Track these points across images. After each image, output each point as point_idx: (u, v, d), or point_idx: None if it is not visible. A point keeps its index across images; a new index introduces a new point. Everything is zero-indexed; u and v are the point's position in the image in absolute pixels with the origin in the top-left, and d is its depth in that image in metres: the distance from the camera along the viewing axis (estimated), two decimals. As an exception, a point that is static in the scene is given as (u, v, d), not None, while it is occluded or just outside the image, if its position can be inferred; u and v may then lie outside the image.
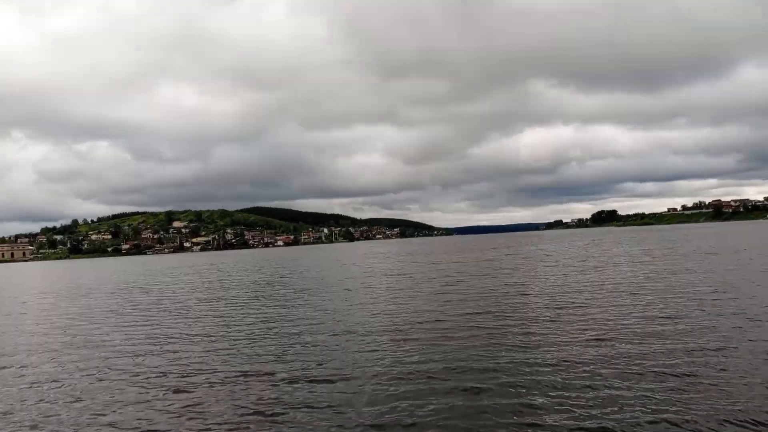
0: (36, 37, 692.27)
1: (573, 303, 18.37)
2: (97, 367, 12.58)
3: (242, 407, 9.14)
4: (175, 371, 11.79)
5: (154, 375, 11.56)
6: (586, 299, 19.11)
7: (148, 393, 10.27)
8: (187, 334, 16.34)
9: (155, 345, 14.92)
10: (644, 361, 10.54)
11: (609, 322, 14.54)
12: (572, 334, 13.42)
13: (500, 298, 20.44)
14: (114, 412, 9.30)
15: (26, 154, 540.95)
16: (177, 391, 10.25)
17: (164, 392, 10.26)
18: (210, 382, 10.76)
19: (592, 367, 10.37)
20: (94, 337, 16.69)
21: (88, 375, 11.91)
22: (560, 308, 17.39)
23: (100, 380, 11.39)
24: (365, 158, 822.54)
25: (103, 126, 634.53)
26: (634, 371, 9.93)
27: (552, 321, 15.26)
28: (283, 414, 8.76)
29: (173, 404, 9.52)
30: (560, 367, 10.45)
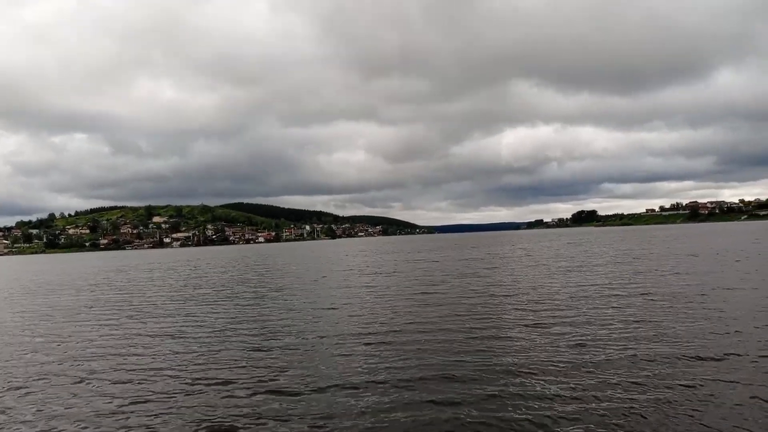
0: (10, 27, 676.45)
1: (554, 305, 18.13)
2: (40, 371, 11.94)
3: (200, 419, 8.64)
4: (129, 378, 11.20)
5: (104, 382, 10.99)
6: (567, 301, 18.88)
7: (92, 403, 9.72)
8: (146, 336, 15.71)
9: (111, 348, 14.29)
10: (626, 368, 10.29)
11: (590, 327, 14.30)
12: (554, 339, 13.14)
13: (481, 300, 20.13)
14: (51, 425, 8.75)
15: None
16: (134, 402, 9.70)
17: (117, 403, 9.71)
18: (166, 391, 10.23)
19: (572, 375, 10.08)
20: (46, 338, 16.00)
21: (27, 383, 11.30)
22: (541, 311, 17.13)
23: (39, 386, 10.79)
24: (347, 155, 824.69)
25: (79, 118, 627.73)
26: (618, 380, 9.67)
27: (533, 325, 14.96)
28: (245, 427, 8.29)
29: (122, 417, 9.00)
30: (540, 376, 10.14)
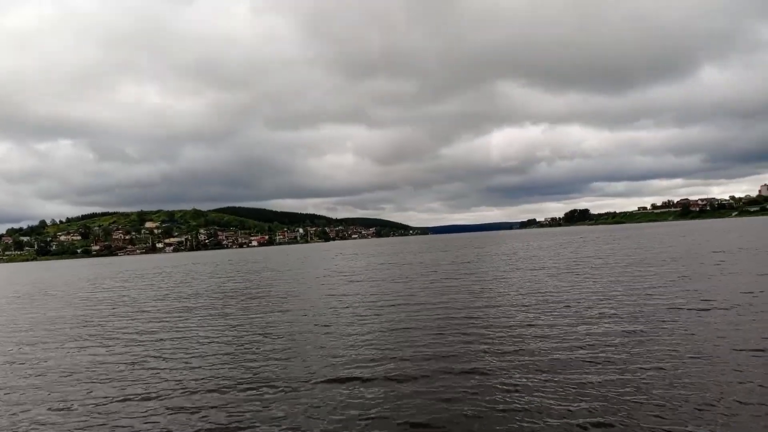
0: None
1: (571, 317, 17.07)
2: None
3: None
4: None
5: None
6: (584, 313, 17.83)
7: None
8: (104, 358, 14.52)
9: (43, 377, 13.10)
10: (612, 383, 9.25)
11: (606, 339, 13.27)
12: (575, 368, 12.06)
13: (482, 313, 18.98)
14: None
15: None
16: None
17: None
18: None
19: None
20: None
21: None
22: (554, 326, 16.05)
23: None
24: (337, 158, 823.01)
25: (64, 125, 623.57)
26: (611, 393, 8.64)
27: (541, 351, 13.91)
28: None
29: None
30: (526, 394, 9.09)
